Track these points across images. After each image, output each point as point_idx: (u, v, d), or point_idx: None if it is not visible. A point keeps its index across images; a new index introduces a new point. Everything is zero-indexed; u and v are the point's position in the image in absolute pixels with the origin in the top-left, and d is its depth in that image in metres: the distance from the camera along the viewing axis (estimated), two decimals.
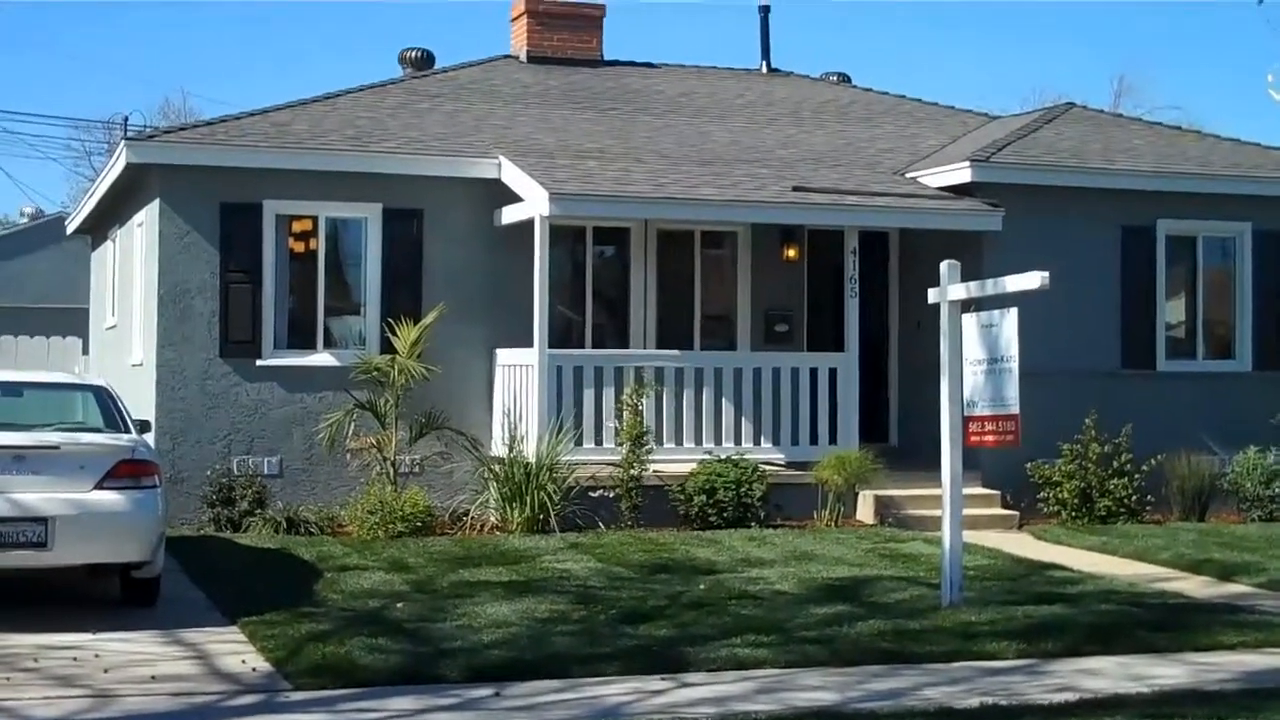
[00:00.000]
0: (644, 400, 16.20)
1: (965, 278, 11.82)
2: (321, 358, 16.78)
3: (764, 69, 23.68)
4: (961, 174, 17.78)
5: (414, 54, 21.87)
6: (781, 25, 48.92)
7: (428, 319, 16.43)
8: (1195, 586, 12.95)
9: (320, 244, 16.99)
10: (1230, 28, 70.26)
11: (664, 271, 18.50)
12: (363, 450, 16.12)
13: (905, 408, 19.03)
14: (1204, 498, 17.27)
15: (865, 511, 16.66)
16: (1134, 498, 16.75)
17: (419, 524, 15.11)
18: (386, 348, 16.43)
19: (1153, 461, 16.93)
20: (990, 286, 11.54)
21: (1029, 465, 16.78)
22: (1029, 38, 75.18)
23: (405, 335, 16.15)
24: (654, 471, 16.06)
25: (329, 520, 15.62)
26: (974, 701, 8.65)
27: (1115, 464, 16.78)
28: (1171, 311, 18.79)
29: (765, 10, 23.82)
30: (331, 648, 9.63)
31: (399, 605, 11.27)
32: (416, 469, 16.59)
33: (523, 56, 21.92)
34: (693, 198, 16.82)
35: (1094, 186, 18.14)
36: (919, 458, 16.66)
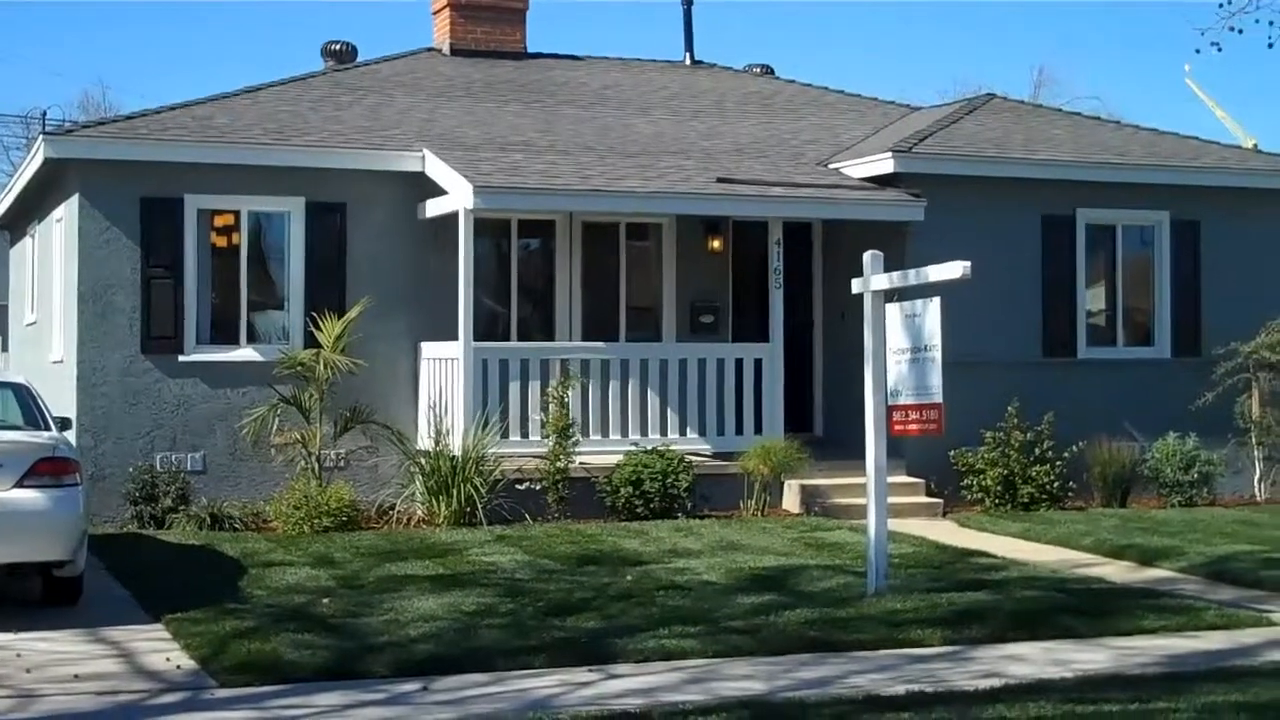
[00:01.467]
0: (570, 392, 16.20)
1: (889, 268, 11.90)
2: (245, 353, 16.66)
3: (688, 61, 23.71)
4: (884, 165, 17.88)
5: (337, 47, 21.74)
6: (704, 18, 49.05)
7: (352, 313, 16.34)
8: (1117, 571, 13.10)
9: (243, 238, 16.85)
10: (1148, 19, 71.05)
11: (589, 263, 18.50)
12: (287, 445, 16.03)
13: (830, 397, 19.13)
14: (1125, 484, 17.48)
15: (791, 501, 16.74)
16: (1056, 484, 16.92)
17: (344, 519, 15.04)
18: (311, 342, 16.33)
19: (1074, 448, 17.11)
20: (913, 276, 11.62)
21: (952, 453, 16.92)
22: (949, 30, 75.72)
23: (329, 330, 16.06)
24: (581, 464, 16.07)
25: (254, 516, 15.52)
26: (900, 689, 8.72)
27: (1037, 451, 16.95)
28: (1092, 300, 18.98)
29: (688, 3, 23.84)
30: (257, 644, 9.58)
31: (325, 601, 11.21)
32: (342, 464, 16.51)
33: (446, 49, 21.84)
34: (617, 190, 16.82)
35: (1015, 176, 18.29)
36: (844, 447, 16.74)
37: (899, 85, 77.30)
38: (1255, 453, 18.38)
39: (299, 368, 16.01)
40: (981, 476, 16.88)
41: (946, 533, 15.34)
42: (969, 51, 74.82)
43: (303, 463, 15.90)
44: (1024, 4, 73.56)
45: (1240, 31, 11.20)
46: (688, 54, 23.78)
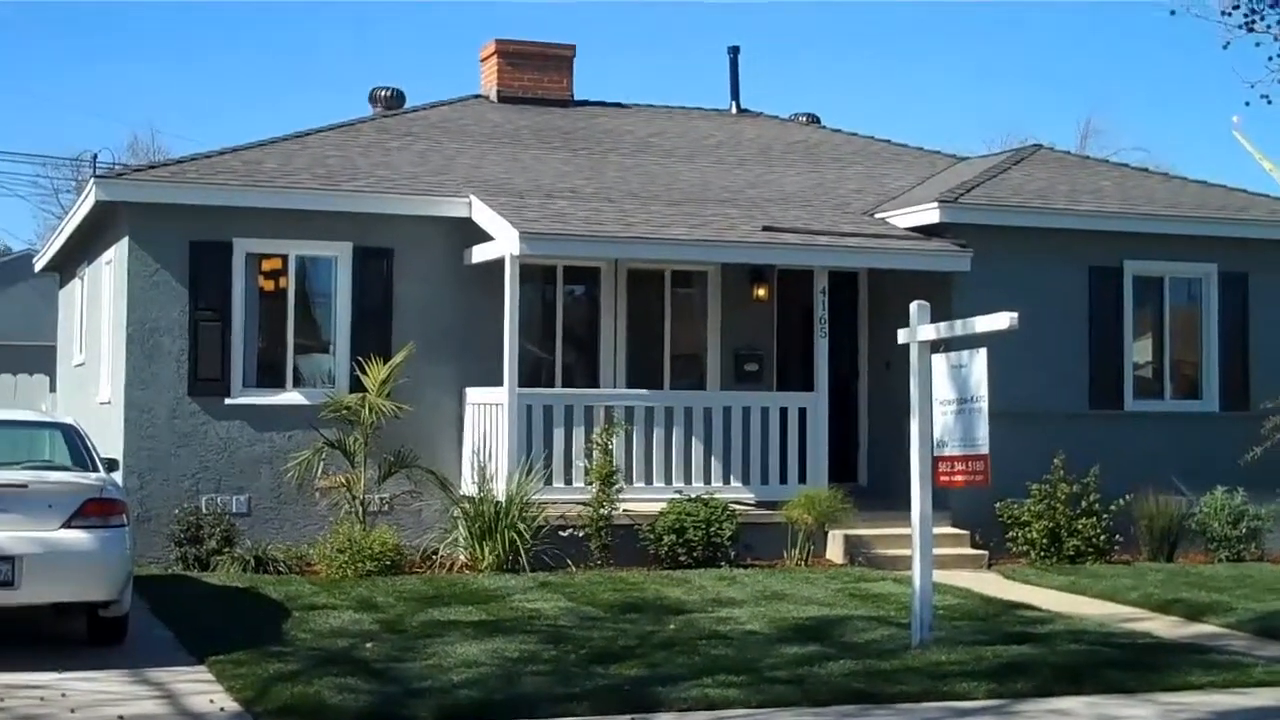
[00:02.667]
0: (614, 439, 16.19)
1: (934, 318, 11.87)
2: (290, 396, 16.74)
3: (734, 109, 23.79)
4: (930, 214, 17.87)
5: (385, 93, 21.91)
6: (751, 66, 49.22)
7: (397, 358, 16.40)
8: (1164, 626, 12.98)
9: (290, 282, 16.96)
10: (1196, 71, 70.91)
11: (634, 311, 18.52)
12: (332, 489, 16.06)
13: (874, 447, 19.07)
14: (1172, 538, 17.32)
15: (835, 551, 16.67)
16: (1102, 538, 16.79)
17: (388, 563, 15.05)
18: (356, 386, 16.39)
19: (1120, 501, 16.98)
20: (959, 327, 11.58)
21: (998, 505, 16.82)
22: (996, 80, 75.76)
23: (375, 374, 16.12)
24: (624, 511, 16.05)
25: (297, 559, 15.55)
26: None
27: (1084, 504, 16.82)
28: (1139, 352, 18.89)
29: (734, 51, 23.95)
30: (300, 687, 9.58)
31: (368, 645, 11.21)
32: (386, 508, 16.55)
33: (493, 96, 21.98)
34: (663, 237, 16.85)
35: (1061, 227, 18.25)
36: (888, 497, 16.68)
37: (945, 135, 77.34)
38: None
39: (344, 411, 16.07)
40: (1027, 529, 16.77)
41: (992, 585, 15.24)
42: (1015, 102, 74.85)
43: (347, 506, 15.94)
44: (1071, 56, 73.61)
45: None
46: (734, 102, 23.86)
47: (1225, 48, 11.02)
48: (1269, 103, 11.13)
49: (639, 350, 18.50)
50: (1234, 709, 9.78)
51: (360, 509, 15.80)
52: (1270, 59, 10.79)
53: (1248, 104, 11.14)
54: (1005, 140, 46.82)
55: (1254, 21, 10.86)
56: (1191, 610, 13.55)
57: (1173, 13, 11.46)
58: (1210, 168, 74.96)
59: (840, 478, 17.75)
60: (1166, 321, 18.93)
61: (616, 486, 15.94)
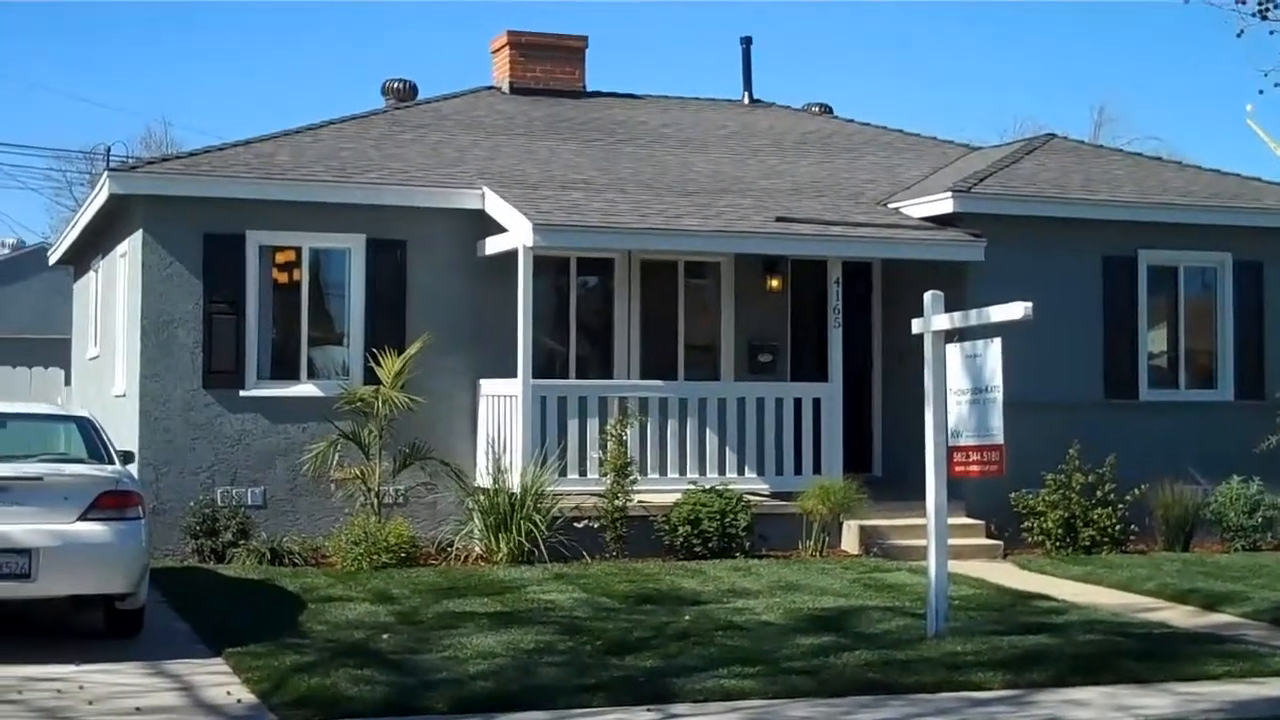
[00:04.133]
0: (628, 430, 16.19)
1: (948, 308, 11.84)
2: (305, 388, 16.76)
3: (746, 100, 23.77)
4: (944, 204, 17.85)
5: (397, 85, 21.91)
6: (763, 57, 49.06)
7: (411, 349, 16.42)
8: (1180, 616, 12.97)
9: (304, 274, 16.98)
10: (1209, 59, 70.67)
11: (648, 302, 18.52)
12: (346, 481, 16.08)
13: (889, 437, 19.06)
14: (1188, 527, 17.29)
15: (850, 541, 16.66)
16: (1118, 527, 16.77)
17: (403, 555, 15.07)
18: (370, 378, 16.41)
19: (1136, 491, 16.94)
20: (974, 317, 11.55)
21: (1013, 495, 16.80)
22: (1009, 70, 75.58)
23: (389, 366, 16.13)
24: (639, 502, 16.05)
25: (313, 551, 15.58)
26: None
27: (1099, 494, 16.80)
28: (1154, 341, 18.86)
29: (747, 41, 23.94)
30: (317, 679, 9.60)
31: (384, 636, 11.23)
32: (401, 499, 16.56)
33: (505, 88, 21.97)
34: (676, 228, 16.85)
35: (1075, 217, 18.22)
36: (903, 487, 16.67)
37: (959, 126, 77.19)
38: None
39: (358, 403, 16.09)
40: (1042, 519, 16.76)
41: (1007, 575, 15.22)
42: (1029, 92, 74.68)
43: (362, 499, 15.96)
44: (1084, 44, 73.43)
45: None
46: (746, 93, 23.84)
47: (1239, 36, 11.00)
48: None
49: (653, 341, 18.50)
50: (1252, 699, 9.75)
51: (375, 501, 15.82)
52: None
53: (1261, 92, 11.14)
54: (1019, 130, 46.74)
55: (1268, 9, 10.85)
56: (1208, 600, 13.53)
57: (1186, 1, 11.45)
58: (1224, 157, 74.77)
59: (855, 468, 17.74)
60: (1181, 311, 18.90)
61: (631, 478, 15.94)
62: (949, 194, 17.81)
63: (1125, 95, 77.13)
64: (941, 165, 20.94)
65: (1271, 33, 10.95)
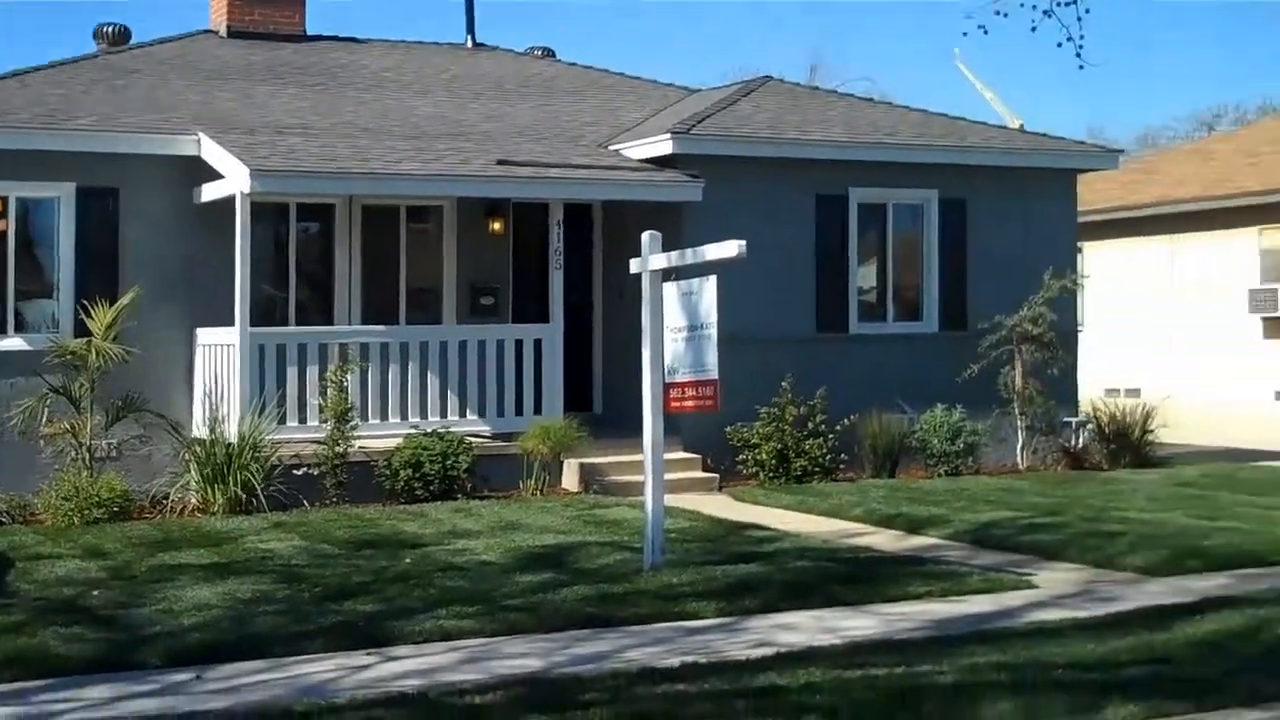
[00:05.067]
0: (348, 376, 16.10)
1: (669, 248, 12.04)
2: (13, 342, 16.24)
3: (469, 44, 23.68)
4: (663, 146, 18.10)
5: (109, 29, 21.20)
6: (487, 3, 48.80)
7: (123, 300, 16.02)
8: (886, 540, 13.46)
9: (10, 225, 16.41)
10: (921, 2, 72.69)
11: (369, 247, 18.39)
12: (56, 436, 15.63)
13: (610, 377, 19.32)
14: (894, 455, 17.92)
15: (571, 480, 16.87)
16: (828, 457, 17.30)
17: (116, 509, 14.74)
18: (81, 330, 15.97)
19: (846, 421, 17.48)
20: (690, 256, 11.77)
21: (729, 429, 17.21)
22: (726, 15, 76.56)
23: (100, 317, 15.72)
24: (360, 448, 15.99)
25: (21, 508, 15.10)
26: (675, 661, 8.84)
27: (811, 425, 17.30)
28: (864, 277, 19.45)
29: None
30: (24, 639, 9.37)
31: (95, 593, 11.00)
32: (114, 453, 16.17)
33: (223, 31, 21.50)
34: (396, 173, 16.76)
35: (790, 157, 18.65)
36: (623, 426, 16.93)
37: (682, 72, 77.96)
38: (1017, 422, 18.96)
39: (69, 356, 15.64)
40: (756, 451, 17.20)
41: (722, 507, 15.60)
42: (747, 37, 75.78)
43: (73, 453, 15.53)
44: None
45: (1005, 15, 11.51)
46: (469, 36, 23.76)
47: None
48: (985, 33, 11.45)
49: (375, 286, 18.39)
50: (952, 616, 10.16)
51: (87, 455, 15.42)
52: None
53: (965, 34, 11.47)
54: (739, 75, 47.40)
55: None
56: (912, 524, 14.08)
57: None
58: (937, 98, 76.94)
59: (577, 407, 17.96)
60: (890, 247, 19.51)
61: (352, 424, 15.87)
62: (668, 136, 18.06)
63: (842, 42, 78.89)
64: (662, 108, 21.19)
65: None
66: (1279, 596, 10.40)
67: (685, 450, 17.31)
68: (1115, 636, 9.25)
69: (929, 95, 73.91)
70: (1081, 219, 21.43)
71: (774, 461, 17.15)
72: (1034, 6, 11.30)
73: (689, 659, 8.89)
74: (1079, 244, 21.51)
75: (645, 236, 12.06)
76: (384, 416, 16.68)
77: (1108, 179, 25.73)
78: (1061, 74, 70.55)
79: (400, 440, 16.09)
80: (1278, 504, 14.97)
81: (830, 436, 17.32)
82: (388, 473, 15.84)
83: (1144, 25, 75.17)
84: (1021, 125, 30.60)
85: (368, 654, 9.24)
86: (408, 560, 12.20)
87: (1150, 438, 19.36)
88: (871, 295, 19.54)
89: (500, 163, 17.42)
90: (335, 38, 22.60)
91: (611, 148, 18.99)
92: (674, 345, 11.75)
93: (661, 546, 11.84)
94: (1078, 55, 11.39)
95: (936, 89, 69.46)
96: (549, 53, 24.45)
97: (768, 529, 13.90)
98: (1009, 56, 64.22)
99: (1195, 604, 10.19)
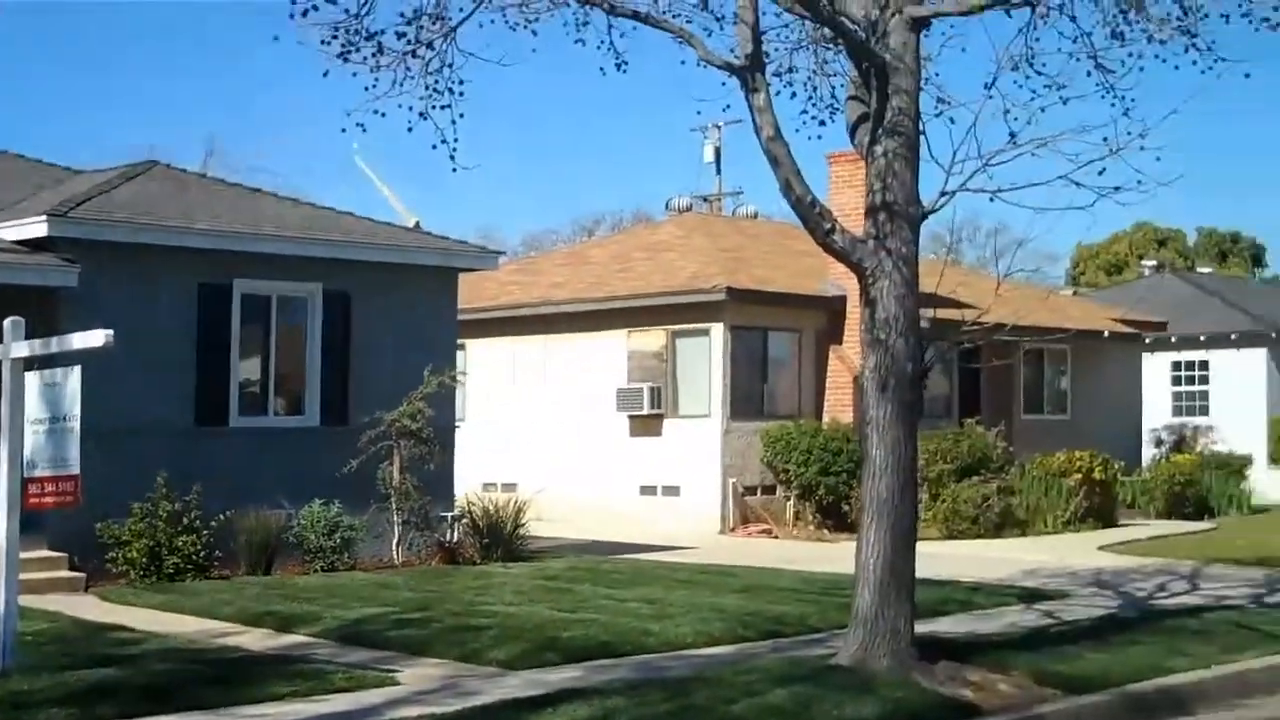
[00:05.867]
0: None
1: (45, 334, 11.60)
2: None
3: None
4: (39, 228, 17.43)
5: None
6: None
7: None
8: (255, 639, 13.30)
9: None
10: (320, 95, 73.17)
11: None
12: None
13: None
14: (270, 551, 17.81)
15: None
16: (203, 554, 17.01)
17: None
18: None
19: (221, 517, 17.25)
20: (55, 344, 11.37)
21: (99, 526, 16.64)
22: (120, 102, 74.52)
23: None
24: None
25: None
26: None
27: (185, 521, 16.96)
28: (247, 369, 19.30)
29: None
30: None
31: None
32: None
33: None
34: None
35: (173, 245, 18.32)
36: None
37: (70, 155, 75.27)
38: (395, 517, 19.24)
39: None
40: (127, 549, 16.71)
41: (88, 608, 15.00)
42: (142, 121, 74.01)
43: None
44: (197, 80, 73.73)
45: (383, 115, 11.70)
46: None
47: (325, 76, 11.35)
48: (364, 130, 11.59)
49: None
50: (312, 716, 10.13)
51: None
52: (366, 88, 11.26)
53: (344, 130, 11.59)
54: (132, 157, 46.20)
55: (349, 53, 11.24)
56: (282, 622, 13.99)
57: (276, 38, 11.62)
58: (343, 193, 77.56)
59: None
60: (274, 339, 19.48)
61: None
62: (44, 218, 17.41)
63: (237, 129, 78.37)
64: (43, 188, 20.38)
65: (354, 75, 11.40)
66: (624, 687, 10.97)
67: (50, 549, 16.59)
68: None
69: (336, 190, 74.49)
70: (468, 316, 22.15)
71: (145, 560, 16.70)
72: (410, 108, 11.58)
73: None
74: (464, 341, 22.22)
75: (6, 323, 11.56)
76: None
77: (493, 279, 26.75)
78: (461, 176, 72.52)
79: None
80: (633, 596, 15.83)
81: (205, 533, 17.04)
82: None
83: (528, 135, 78.43)
84: (418, 223, 31.34)
85: None
86: None
87: (522, 532, 20.09)
88: (255, 388, 19.42)
89: None
90: None
91: None
92: (34, 438, 11.34)
93: (13, 649, 11.27)
94: (451, 158, 11.73)
95: (345, 184, 70.07)
96: None
97: (134, 630, 13.50)
98: (426, 156, 65.71)
99: (548, 696, 10.60)
